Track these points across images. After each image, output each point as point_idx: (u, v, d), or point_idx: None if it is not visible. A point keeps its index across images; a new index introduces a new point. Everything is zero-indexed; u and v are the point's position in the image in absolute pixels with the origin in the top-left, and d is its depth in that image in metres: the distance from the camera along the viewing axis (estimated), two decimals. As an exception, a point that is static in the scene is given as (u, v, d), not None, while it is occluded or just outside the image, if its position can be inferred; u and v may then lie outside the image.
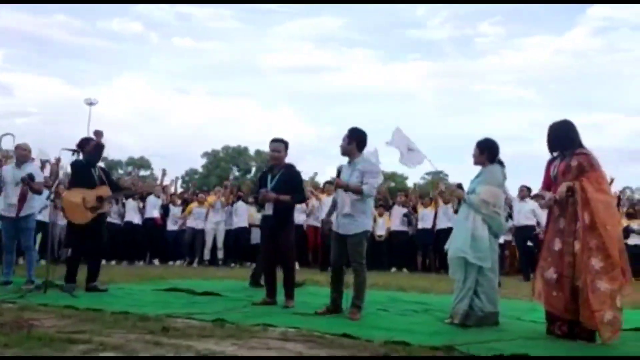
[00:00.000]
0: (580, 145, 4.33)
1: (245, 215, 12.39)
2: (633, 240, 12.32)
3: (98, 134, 6.50)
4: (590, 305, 3.92)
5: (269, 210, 5.63)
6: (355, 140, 5.16)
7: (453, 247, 4.90)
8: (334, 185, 5.39)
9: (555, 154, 4.47)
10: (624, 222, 11.86)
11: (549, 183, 4.47)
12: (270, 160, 5.83)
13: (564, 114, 60.78)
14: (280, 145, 5.75)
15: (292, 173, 5.78)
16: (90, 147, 6.33)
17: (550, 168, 4.48)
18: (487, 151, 4.93)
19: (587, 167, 4.19)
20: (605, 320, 3.92)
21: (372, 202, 5.27)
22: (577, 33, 67.23)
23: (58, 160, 10.46)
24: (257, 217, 11.06)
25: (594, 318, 3.92)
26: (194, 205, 12.72)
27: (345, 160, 5.31)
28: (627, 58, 63.38)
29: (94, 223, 6.24)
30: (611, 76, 64.73)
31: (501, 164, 4.95)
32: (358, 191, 4.99)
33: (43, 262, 7.73)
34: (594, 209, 4.02)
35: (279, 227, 5.63)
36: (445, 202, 11.95)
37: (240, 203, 12.49)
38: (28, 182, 6.42)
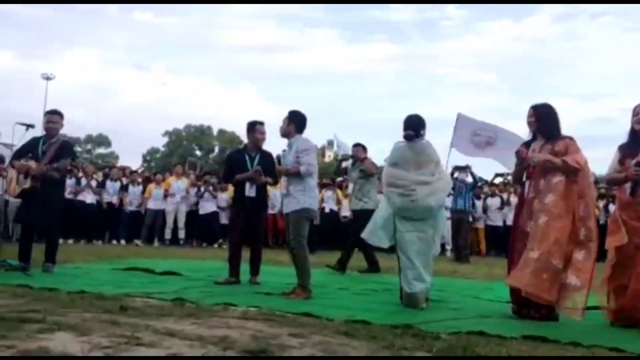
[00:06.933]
0: (560, 131, 4.36)
1: (213, 200, 12.67)
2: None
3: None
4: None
5: (251, 192, 5.73)
6: (295, 122, 5.20)
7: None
8: (278, 172, 5.53)
9: (530, 136, 4.49)
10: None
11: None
12: (257, 142, 5.93)
13: (522, 98, 62.25)
14: (265, 128, 5.94)
15: (270, 156, 5.96)
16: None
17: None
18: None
19: (573, 150, 4.20)
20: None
21: (314, 181, 5.22)
22: (538, 19, 68.57)
23: None
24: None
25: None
26: (152, 187, 12.54)
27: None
28: (584, 45, 65.19)
29: (31, 198, 5.91)
30: (568, 62, 66.47)
31: (408, 138, 4.80)
32: (297, 173, 5.02)
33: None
34: (584, 184, 4.10)
35: (261, 207, 5.90)
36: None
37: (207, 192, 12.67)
38: None
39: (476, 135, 7.24)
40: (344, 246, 7.76)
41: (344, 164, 8.32)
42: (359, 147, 7.82)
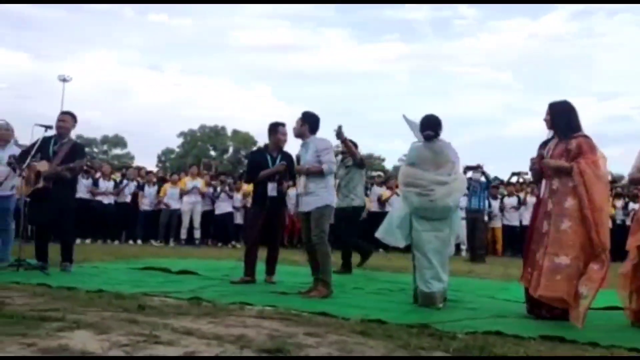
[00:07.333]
0: (580, 129, 4.26)
1: (229, 200, 12.77)
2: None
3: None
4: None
5: (273, 192, 5.79)
6: (309, 123, 5.28)
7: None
8: (295, 171, 5.55)
9: (550, 135, 4.44)
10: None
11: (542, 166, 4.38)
12: (279, 143, 5.97)
13: (538, 97, 61.63)
14: (285, 129, 5.95)
15: (290, 157, 6.03)
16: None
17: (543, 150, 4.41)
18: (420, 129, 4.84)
19: (587, 149, 4.13)
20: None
21: (333, 180, 5.34)
22: (554, 17, 67.84)
23: None
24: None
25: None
26: (168, 187, 12.66)
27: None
28: (601, 43, 64.37)
29: (43, 198, 5.95)
30: (585, 60, 65.74)
31: (428, 138, 4.75)
32: (319, 172, 5.09)
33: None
34: (593, 193, 3.99)
35: (280, 206, 5.95)
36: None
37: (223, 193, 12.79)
38: (15, 165, 6.27)
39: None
40: (340, 247, 7.66)
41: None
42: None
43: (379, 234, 4.95)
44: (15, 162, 6.14)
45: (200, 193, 12.57)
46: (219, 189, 12.82)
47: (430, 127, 4.77)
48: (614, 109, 65.75)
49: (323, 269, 5.01)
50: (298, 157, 5.49)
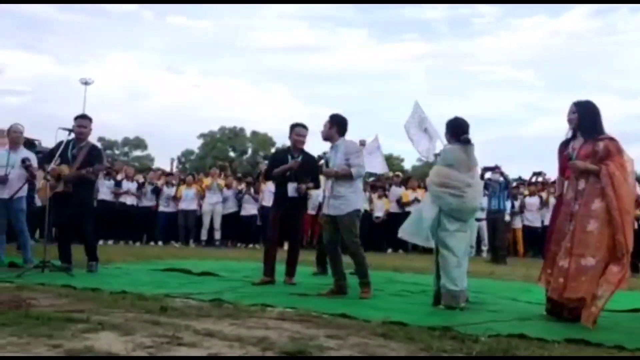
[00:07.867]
0: (603, 131, 4.21)
1: (254, 202, 12.82)
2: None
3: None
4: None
5: (293, 192, 5.80)
6: (336, 125, 5.26)
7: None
8: (323, 174, 5.52)
9: (569, 134, 4.38)
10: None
11: (566, 167, 4.35)
12: (296, 144, 5.99)
13: (560, 95, 60.73)
14: (305, 131, 6.01)
15: (312, 159, 6.06)
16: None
17: (564, 151, 4.37)
18: (450, 130, 4.88)
19: (614, 151, 4.08)
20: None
21: (361, 181, 5.35)
22: (575, 14, 66.85)
23: None
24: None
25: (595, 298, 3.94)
26: (183, 188, 12.77)
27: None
28: (624, 40, 63.24)
29: (63, 201, 6.09)
30: (607, 58, 64.64)
31: (467, 142, 4.79)
32: (348, 175, 5.06)
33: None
34: (622, 195, 3.96)
35: (300, 207, 5.99)
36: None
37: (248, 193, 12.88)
38: (29, 166, 6.38)
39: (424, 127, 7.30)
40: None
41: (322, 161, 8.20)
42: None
43: (404, 235, 4.91)
44: (41, 164, 6.26)
45: (222, 187, 12.68)
46: (243, 190, 12.90)
47: (465, 130, 4.81)
48: (636, 107, 64.48)
49: (364, 271, 5.07)
50: (327, 160, 5.48)
